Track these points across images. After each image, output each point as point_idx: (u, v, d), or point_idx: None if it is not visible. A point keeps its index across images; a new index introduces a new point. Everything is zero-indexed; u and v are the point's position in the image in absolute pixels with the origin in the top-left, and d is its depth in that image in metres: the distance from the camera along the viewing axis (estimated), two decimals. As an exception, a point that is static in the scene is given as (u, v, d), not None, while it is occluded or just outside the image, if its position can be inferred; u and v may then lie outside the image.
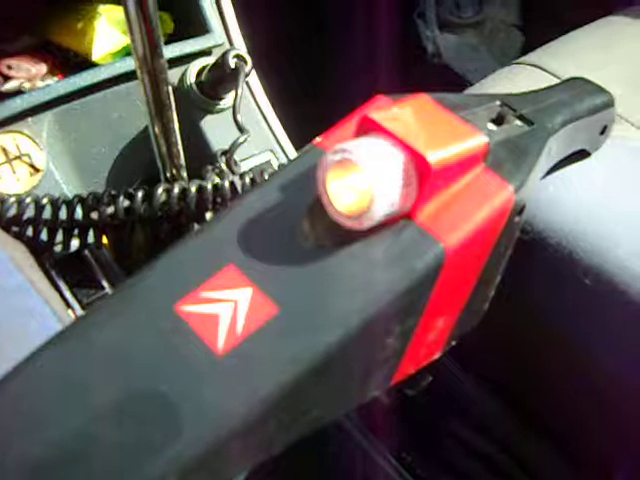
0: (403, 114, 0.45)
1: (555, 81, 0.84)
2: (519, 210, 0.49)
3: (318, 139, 0.49)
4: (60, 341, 0.41)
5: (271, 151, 0.96)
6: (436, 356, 0.55)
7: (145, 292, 0.42)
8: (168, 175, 0.75)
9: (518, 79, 0.87)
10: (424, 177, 0.42)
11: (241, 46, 0.99)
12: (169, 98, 0.69)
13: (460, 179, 0.46)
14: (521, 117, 0.54)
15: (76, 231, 0.75)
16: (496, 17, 1.80)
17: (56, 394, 0.38)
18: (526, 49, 1.75)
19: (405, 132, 0.43)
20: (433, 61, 1.82)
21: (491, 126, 0.52)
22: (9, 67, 0.90)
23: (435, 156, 0.42)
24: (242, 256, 0.43)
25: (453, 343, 0.56)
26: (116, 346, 0.40)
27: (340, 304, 0.41)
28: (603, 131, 0.67)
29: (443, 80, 1.79)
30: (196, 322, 0.40)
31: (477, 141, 0.46)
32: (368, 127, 0.44)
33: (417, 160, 0.42)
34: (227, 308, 0.41)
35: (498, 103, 0.55)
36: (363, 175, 0.41)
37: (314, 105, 1.42)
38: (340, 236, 0.43)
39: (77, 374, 0.39)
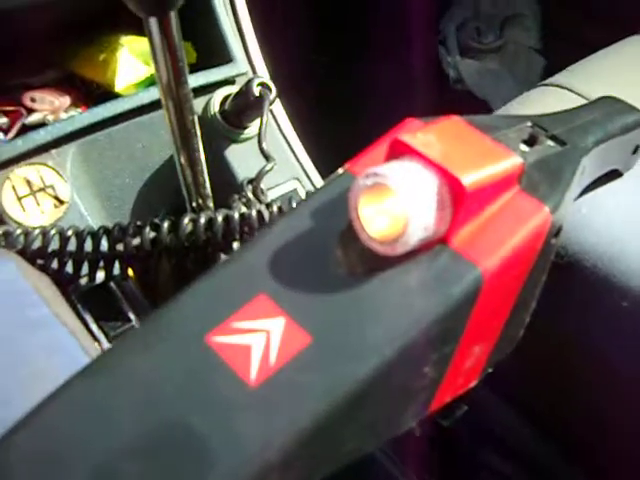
0: (435, 136, 0.44)
1: (582, 102, 0.83)
2: (556, 232, 0.48)
3: (348, 164, 0.48)
4: (89, 373, 0.40)
5: (297, 179, 0.95)
6: (473, 384, 0.53)
7: (175, 323, 0.41)
8: (194, 205, 0.75)
9: (545, 101, 0.86)
10: (459, 200, 0.41)
11: (264, 74, 0.99)
12: (194, 127, 0.69)
13: (495, 201, 0.45)
14: (553, 137, 0.53)
15: (101, 263, 0.75)
16: (517, 41, 1.80)
17: (84, 428, 0.37)
18: (547, 73, 1.76)
19: (438, 154, 0.42)
20: (456, 87, 1.82)
21: (523, 147, 0.51)
22: (32, 100, 0.90)
23: (470, 178, 0.41)
24: (274, 285, 0.42)
25: (489, 370, 0.54)
26: (146, 378, 0.39)
27: (375, 332, 0.40)
28: (635, 150, 0.66)
29: (466, 106, 1.79)
30: (228, 353, 0.39)
31: (511, 162, 0.45)
32: (400, 150, 0.43)
33: (451, 183, 0.41)
34: (259, 338, 0.40)
35: (529, 124, 0.54)
36: (396, 199, 0.40)
37: (339, 132, 1.42)
38: (373, 262, 0.42)
39: (106, 407, 0.38)
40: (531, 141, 0.52)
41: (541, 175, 0.48)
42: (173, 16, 0.59)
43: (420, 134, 0.44)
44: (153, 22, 0.59)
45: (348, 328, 0.40)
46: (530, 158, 0.49)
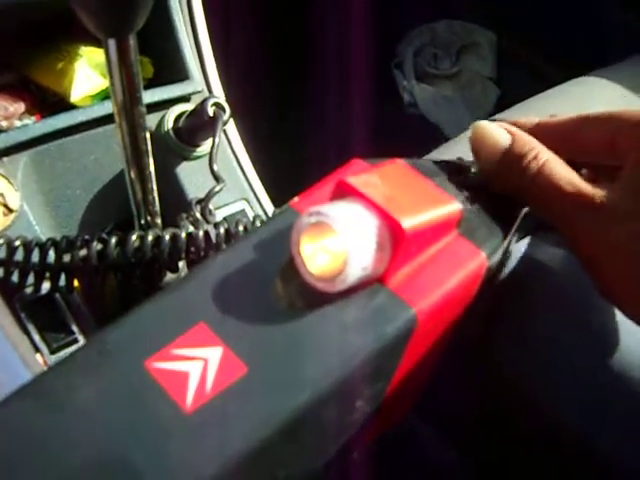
0: (379, 179, 0.46)
1: (529, 140, 0.84)
2: (491, 276, 0.50)
3: (294, 199, 0.49)
4: (25, 393, 0.40)
5: (246, 200, 0.96)
6: (405, 417, 0.55)
7: (115, 346, 0.42)
8: (142, 221, 0.75)
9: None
10: (398, 242, 0.42)
11: (220, 93, 0.99)
12: (146, 144, 0.69)
13: (433, 245, 0.46)
14: (496, 183, 0.55)
15: (48, 274, 0.75)
16: (472, 69, 1.82)
17: (15, 449, 0.37)
18: (501, 102, 1.79)
19: (380, 197, 0.43)
20: (409, 111, 1.84)
21: (465, 192, 0.52)
22: (-14, 105, 0.90)
23: (409, 222, 0.42)
24: (214, 314, 0.43)
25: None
26: (83, 401, 0.39)
27: (310, 366, 0.41)
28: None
29: (418, 130, 1.81)
30: (166, 379, 0.40)
31: (451, 208, 0.47)
32: (344, 191, 0.44)
33: (391, 225, 0.42)
34: (197, 366, 0.40)
35: (473, 170, 0.55)
36: (337, 238, 0.41)
37: (289, 154, 1.43)
38: (312, 298, 0.43)
39: (40, 429, 0.38)
40: (473, 187, 0.53)
41: (480, 221, 0.50)
42: (132, 38, 0.59)
43: (364, 176, 0.45)
44: (112, 43, 0.59)
45: (284, 361, 0.41)
46: (470, 204, 0.50)
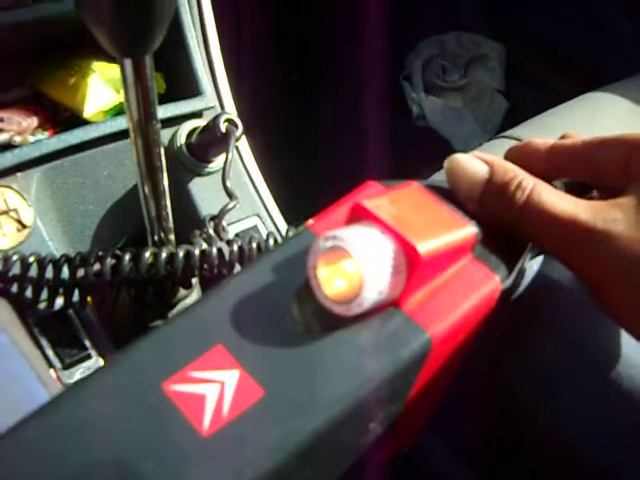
0: (394, 203, 0.46)
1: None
2: (505, 299, 0.50)
3: (310, 221, 0.49)
4: (43, 414, 0.41)
5: (258, 216, 0.96)
6: (418, 438, 0.55)
7: (133, 368, 0.42)
8: (155, 237, 0.76)
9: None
10: (414, 267, 0.43)
11: (232, 109, 1.00)
12: (160, 161, 0.70)
13: (448, 269, 0.46)
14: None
15: (61, 290, 0.75)
16: (481, 82, 1.83)
17: (32, 474, 0.38)
18: (510, 114, 1.79)
19: (396, 221, 0.44)
20: (417, 123, 1.84)
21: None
22: (0, 119, 0.90)
23: (425, 246, 0.43)
24: (231, 337, 0.43)
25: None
26: (101, 422, 0.40)
27: (325, 390, 0.41)
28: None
29: (427, 141, 1.81)
30: (183, 401, 0.40)
31: (466, 232, 0.47)
32: (360, 214, 0.45)
33: (407, 250, 0.43)
34: (214, 389, 0.41)
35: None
36: (353, 263, 0.41)
37: (301, 170, 1.44)
38: (328, 321, 0.43)
39: (58, 450, 0.38)
40: None
41: (494, 244, 0.50)
42: (148, 58, 0.60)
43: (380, 200, 0.46)
44: (128, 63, 0.59)
45: (299, 384, 0.41)
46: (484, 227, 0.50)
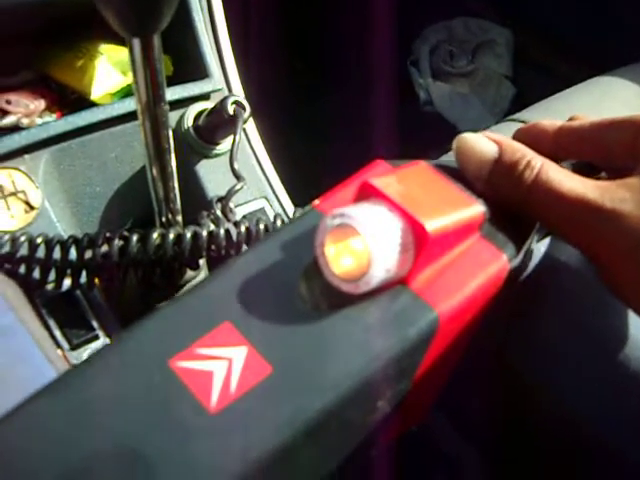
0: (402, 181, 0.46)
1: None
2: (513, 278, 0.50)
3: (317, 201, 0.49)
4: (51, 391, 0.41)
5: (265, 198, 0.96)
6: (425, 417, 0.55)
7: (140, 345, 0.42)
8: (163, 219, 0.76)
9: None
10: (421, 245, 0.43)
11: (239, 92, 1.00)
12: (169, 143, 0.70)
13: (456, 247, 0.46)
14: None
15: (69, 271, 0.76)
16: (488, 68, 1.82)
17: (41, 446, 0.38)
18: (517, 100, 1.78)
19: (404, 200, 0.44)
20: (425, 109, 1.84)
21: (487, 194, 0.52)
22: (8, 102, 0.90)
23: (433, 224, 0.43)
24: (239, 314, 0.43)
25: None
26: (108, 399, 0.40)
27: (333, 367, 0.41)
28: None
29: (434, 127, 1.81)
30: (190, 378, 0.40)
31: (474, 210, 0.47)
32: (368, 192, 0.45)
33: (415, 228, 0.43)
34: (222, 366, 0.41)
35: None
36: (361, 240, 0.42)
37: (309, 152, 1.43)
38: (336, 299, 0.43)
39: (66, 426, 0.39)
40: None
41: (502, 223, 0.50)
42: (156, 38, 0.59)
43: (388, 178, 0.46)
44: (136, 42, 0.59)
45: (307, 361, 0.41)
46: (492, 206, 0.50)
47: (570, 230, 0.50)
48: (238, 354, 0.41)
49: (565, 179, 0.49)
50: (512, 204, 0.51)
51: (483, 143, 0.52)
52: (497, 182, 0.51)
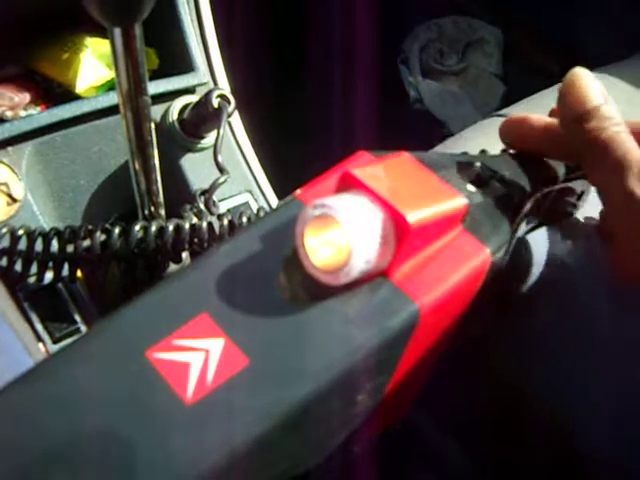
0: (385, 172, 0.45)
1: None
2: (495, 272, 0.50)
3: (299, 191, 0.49)
4: (28, 379, 0.40)
5: (250, 192, 0.96)
6: (407, 412, 0.55)
7: (117, 336, 0.42)
8: (146, 212, 0.75)
9: (497, 131, 0.87)
10: (402, 236, 0.42)
11: (225, 85, 0.99)
12: (151, 135, 0.69)
13: (438, 239, 0.46)
14: (500, 179, 0.54)
15: (51, 264, 0.75)
16: (478, 66, 1.83)
17: (17, 432, 0.37)
18: (507, 98, 1.79)
19: (386, 190, 0.43)
20: (415, 107, 1.84)
21: (470, 187, 0.52)
22: (-8, 94, 0.90)
23: (414, 216, 0.42)
24: (216, 305, 0.43)
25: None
26: (84, 389, 0.40)
27: (311, 359, 0.41)
28: (580, 196, 0.67)
29: (424, 125, 1.81)
30: (166, 369, 0.40)
31: (456, 203, 0.46)
32: (349, 183, 0.44)
33: (396, 219, 0.42)
34: (198, 357, 0.40)
35: (478, 164, 0.55)
36: (341, 231, 0.41)
37: (295, 147, 1.43)
38: (316, 290, 0.43)
39: (41, 415, 0.38)
40: (478, 182, 0.53)
41: (485, 216, 0.49)
42: (137, 27, 0.59)
43: (370, 168, 0.45)
44: (117, 32, 0.59)
45: (285, 353, 0.41)
46: (475, 199, 0.50)
47: (616, 189, 0.51)
48: (215, 345, 0.41)
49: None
50: (579, 146, 0.53)
51: (596, 89, 0.55)
52: (583, 123, 0.53)
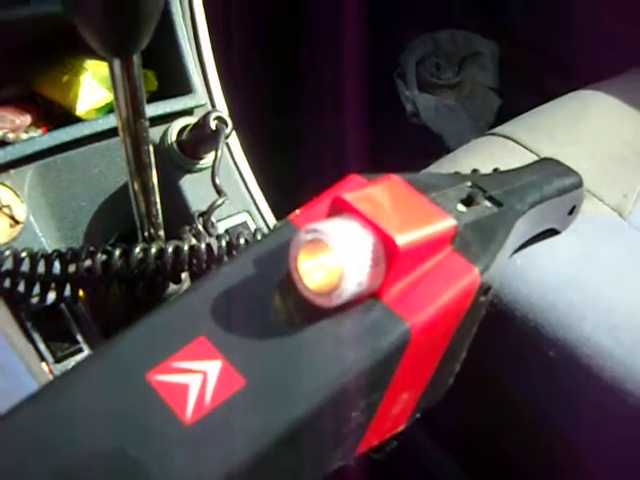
0: (375, 195, 0.47)
1: (526, 153, 0.86)
2: (485, 291, 0.51)
3: (294, 213, 0.50)
4: (32, 403, 0.41)
5: (248, 212, 0.97)
6: (401, 428, 0.56)
7: (118, 359, 0.43)
8: (146, 233, 0.76)
9: (491, 150, 0.89)
10: (392, 259, 0.44)
11: (222, 107, 1.00)
12: (149, 157, 0.70)
13: (428, 261, 0.47)
14: (490, 198, 0.55)
15: (53, 285, 0.76)
16: (474, 80, 1.83)
17: (23, 457, 0.38)
18: (503, 112, 1.79)
19: (375, 214, 0.44)
20: (411, 120, 1.84)
21: (461, 207, 0.53)
22: (-6, 117, 0.91)
23: (403, 239, 0.43)
24: (214, 328, 0.44)
25: (417, 416, 0.57)
26: (86, 412, 0.41)
27: (306, 379, 0.42)
28: (572, 211, 0.69)
29: (421, 139, 1.81)
30: (166, 391, 0.41)
31: (445, 224, 0.48)
32: (340, 207, 0.45)
33: (386, 242, 0.43)
34: (196, 379, 0.42)
35: (469, 184, 0.56)
36: (333, 255, 0.42)
37: (292, 166, 1.44)
38: (309, 312, 0.44)
39: (45, 438, 0.39)
40: (468, 201, 0.54)
41: (474, 236, 0.51)
42: (136, 57, 0.60)
43: (360, 192, 0.47)
44: (116, 62, 0.60)
45: (280, 374, 0.42)
46: (465, 219, 0.51)
47: None
48: (212, 367, 0.42)
49: None
50: None
51: None
52: None
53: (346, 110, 1.61)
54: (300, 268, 0.44)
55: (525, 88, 1.75)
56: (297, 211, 0.51)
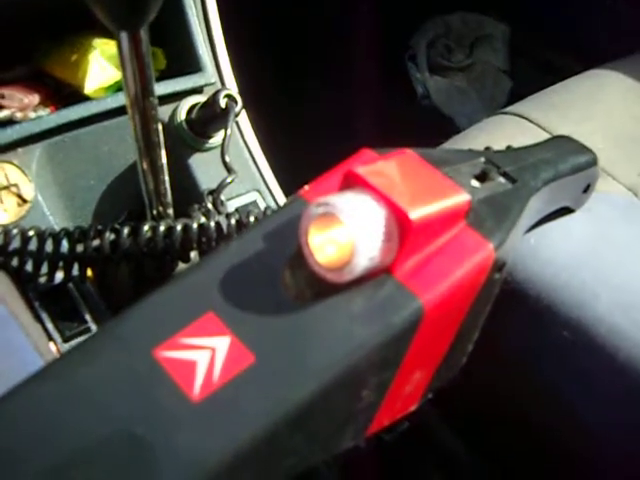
0: (388, 169, 0.46)
1: (539, 132, 0.85)
2: (499, 267, 0.50)
3: (304, 188, 0.49)
4: (39, 380, 0.41)
5: (257, 191, 0.97)
6: (412, 408, 0.55)
7: (125, 335, 0.42)
8: (154, 212, 0.76)
9: (503, 129, 0.88)
10: (405, 233, 0.43)
11: (232, 85, 1.00)
12: (158, 136, 0.70)
13: (441, 236, 0.46)
14: (504, 174, 0.55)
15: (61, 264, 0.76)
16: (485, 62, 1.82)
17: (31, 433, 0.38)
18: (514, 94, 1.78)
19: (388, 188, 0.43)
20: (423, 103, 1.84)
21: (474, 183, 0.52)
22: (2, 96, 0.90)
23: (417, 213, 0.43)
24: (222, 304, 0.43)
25: (430, 396, 0.56)
26: (93, 388, 0.40)
27: (316, 356, 0.41)
28: (586, 189, 0.68)
29: (432, 121, 1.81)
30: (173, 368, 0.40)
31: (459, 199, 0.47)
32: (352, 181, 0.45)
33: (399, 216, 0.43)
34: (204, 355, 0.41)
35: (482, 160, 0.55)
36: (344, 229, 0.41)
37: (302, 145, 1.43)
38: (320, 288, 0.43)
39: (52, 415, 0.39)
40: (482, 177, 0.53)
41: (488, 212, 0.50)
42: (144, 31, 0.60)
43: (373, 166, 0.46)
44: (124, 36, 0.60)
45: (290, 351, 0.41)
46: (479, 195, 0.50)
47: None
48: (221, 344, 0.41)
49: None
50: None
51: None
52: None
53: (357, 92, 1.60)
54: (311, 243, 0.43)
55: (536, 70, 1.74)
56: (306, 186, 0.50)
